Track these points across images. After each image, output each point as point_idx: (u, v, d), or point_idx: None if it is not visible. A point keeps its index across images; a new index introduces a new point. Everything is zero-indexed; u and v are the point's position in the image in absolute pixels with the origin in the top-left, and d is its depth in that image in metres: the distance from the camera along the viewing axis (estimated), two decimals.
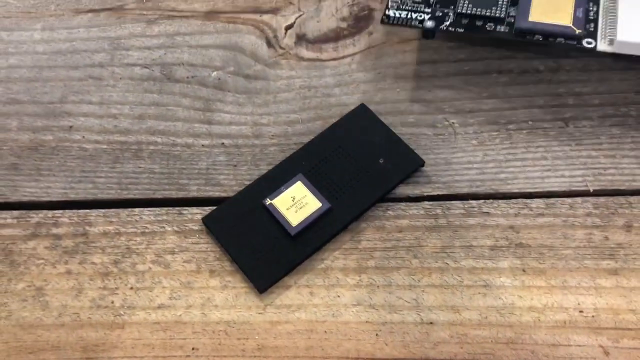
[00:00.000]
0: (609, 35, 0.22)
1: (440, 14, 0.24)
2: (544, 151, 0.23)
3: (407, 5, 0.24)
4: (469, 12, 0.23)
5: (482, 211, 0.22)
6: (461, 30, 0.23)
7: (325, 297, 0.21)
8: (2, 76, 0.26)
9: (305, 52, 0.26)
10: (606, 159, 0.23)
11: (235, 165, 0.24)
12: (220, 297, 0.21)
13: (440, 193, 0.23)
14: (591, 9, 0.23)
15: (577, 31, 0.22)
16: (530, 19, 0.23)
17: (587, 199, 0.22)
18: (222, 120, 0.25)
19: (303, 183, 0.22)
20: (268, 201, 0.22)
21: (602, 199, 0.22)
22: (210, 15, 0.27)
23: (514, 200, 0.22)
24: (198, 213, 0.23)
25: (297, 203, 0.22)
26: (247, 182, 0.23)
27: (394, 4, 0.24)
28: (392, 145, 0.23)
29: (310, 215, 0.22)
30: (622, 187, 0.22)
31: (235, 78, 0.26)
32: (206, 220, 0.22)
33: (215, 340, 0.20)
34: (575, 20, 0.22)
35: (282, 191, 0.22)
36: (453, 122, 0.24)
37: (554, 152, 0.23)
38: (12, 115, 0.25)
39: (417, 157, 0.23)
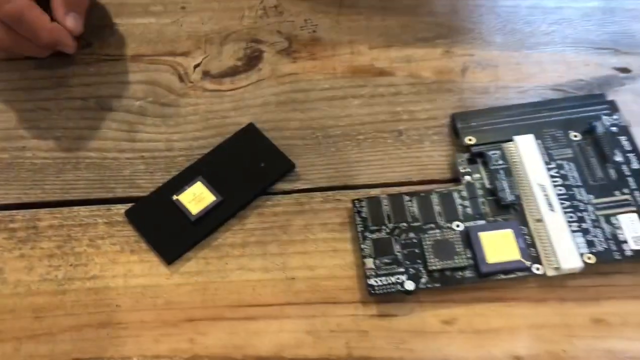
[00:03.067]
0: (554, 264, 0.26)
1: (413, 270, 0.27)
2: (383, 154, 0.31)
3: (381, 270, 0.27)
4: (438, 267, 0.27)
5: (336, 198, 0.30)
6: (438, 285, 0.27)
7: (217, 265, 0.28)
8: None
9: (208, 85, 0.34)
10: (426, 157, 0.31)
11: (151, 172, 0.31)
12: (138, 268, 0.28)
13: (306, 187, 0.30)
14: (524, 233, 0.27)
15: (527, 263, 0.27)
16: (489, 261, 0.27)
17: (412, 187, 0.30)
18: (142, 138, 0.32)
19: (202, 183, 0.30)
20: (175, 197, 0.29)
21: (421, 187, 0.30)
22: (135, 57, 0.35)
23: (358, 190, 0.30)
24: (122, 208, 0.30)
25: (196, 197, 0.29)
26: (160, 184, 0.30)
27: (371, 272, 0.27)
28: (271, 153, 0.31)
29: (207, 206, 0.29)
30: (436, 177, 0.30)
31: (154, 106, 0.33)
32: (128, 213, 0.29)
33: (134, 299, 0.27)
34: (521, 252, 0.27)
35: (186, 189, 0.29)
36: (318, 135, 0.32)
37: (390, 154, 0.31)
38: None
39: (289, 161, 0.31)
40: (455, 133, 0.31)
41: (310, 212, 0.30)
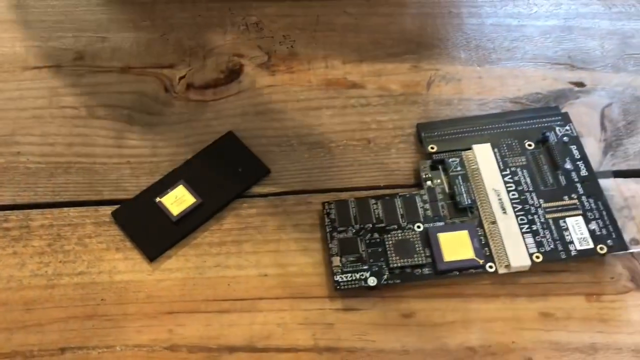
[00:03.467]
0: (505, 263, 0.29)
1: (376, 268, 0.29)
2: (353, 160, 0.33)
3: (347, 267, 0.29)
4: (399, 265, 0.29)
5: (307, 201, 0.32)
6: (398, 281, 0.29)
7: (196, 262, 0.30)
8: None
9: (192, 95, 0.36)
10: (393, 164, 0.33)
11: (137, 177, 0.33)
12: (122, 265, 0.30)
13: (280, 190, 0.33)
14: (480, 234, 0.30)
15: (481, 261, 0.29)
16: (445, 259, 0.29)
17: (379, 191, 0.32)
18: (129, 145, 0.34)
19: (184, 186, 0.32)
20: (158, 199, 0.32)
21: (387, 191, 0.32)
22: (124, 69, 0.37)
23: (328, 193, 0.32)
24: (109, 210, 0.32)
25: (178, 200, 0.32)
26: (145, 187, 0.32)
27: (338, 269, 0.29)
28: (248, 159, 0.33)
29: (187, 207, 0.31)
30: (401, 182, 0.33)
31: (141, 115, 0.35)
32: (114, 214, 0.32)
33: (117, 293, 0.29)
34: (476, 251, 0.29)
35: (168, 192, 0.32)
36: (293, 143, 0.34)
37: (359, 161, 0.33)
38: None
39: (265, 166, 0.33)
40: (420, 142, 0.34)
41: (284, 214, 0.32)
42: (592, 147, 0.33)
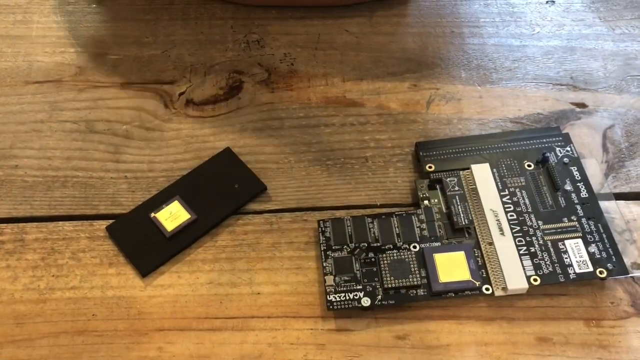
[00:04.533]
0: (502, 285, 0.28)
1: (370, 288, 0.29)
2: (350, 178, 0.33)
3: (341, 287, 0.29)
4: (393, 285, 0.29)
5: (303, 219, 0.32)
6: (392, 302, 0.28)
7: (188, 279, 0.30)
8: None
9: (191, 111, 0.36)
10: (390, 183, 0.33)
11: (133, 191, 0.33)
12: (115, 280, 0.30)
13: (276, 207, 0.32)
14: (476, 255, 0.29)
15: (477, 283, 0.29)
16: (441, 280, 0.29)
17: (375, 209, 0.32)
18: (127, 159, 0.34)
19: (179, 202, 0.32)
20: (153, 214, 0.31)
21: (384, 210, 0.32)
22: (125, 85, 0.37)
23: (325, 211, 0.32)
24: (104, 224, 0.32)
25: (172, 215, 0.31)
26: (141, 203, 0.32)
27: (331, 289, 0.29)
28: (244, 175, 0.33)
29: (182, 223, 0.31)
30: (398, 201, 0.32)
31: (139, 130, 0.35)
32: (109, 229, 0.32)
33: (109, 308, 0.29)
34: (472, 272, 0.29)
35: (163, 207, 0.32)
36: (291, 160, 0.34)
37: (357, 179, 0.33)
38: None
39: (261, 183, 0.33)
40: (418, 160, 0.34)
41: (278, 232, 0.32)
42: (594, 168, 0.33)
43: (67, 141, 0.35)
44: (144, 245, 0.31)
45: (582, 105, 0.36)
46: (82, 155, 0.35)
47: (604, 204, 0.31)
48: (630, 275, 0.29)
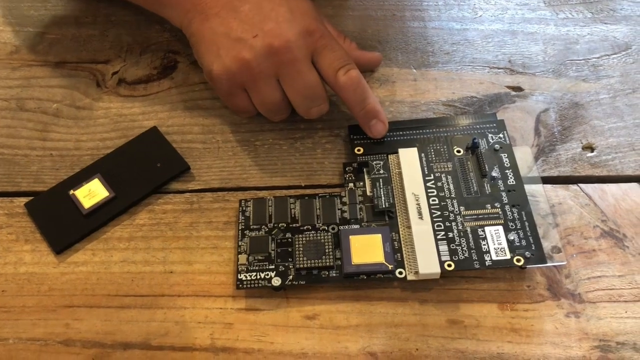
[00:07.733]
0: (414, 269, 0.28)
1: (283, 268, 0.28)
2: (277, 159, 0.33)
3: (254, 265, 0.29)
4: (305, 265, 0.28)
5: (225, 199, 0.31)
6: (303, 282, 0.28)
7: (103, 256, 0.30)
8: None
9: (122, 90, 0.36)
10: (317, 164, 0.32)
11: (57, 169, 0.33)
12: (28, 257, 0.30)
13: (199, 187, 0.32)
14: (394, 238, 0.29)
15: (390, 266, 0.28)
16: (354, 262, 0.28)
17: (299, 190, 0.32)
18: (54, 137, 0.34)
19: (99, 180, 0.31)
20: (71, 192, 0.31)
21: (308, 191, 0.31)
22: (59, 64, 0.37)
23: (248, 191, 0.32)
24: (24, 201, 0.31)
25: (91, 193, 0.31)
26: (62, 180, 0.32)
27: (243, 268, 0.28)
28: (169, 154, 0.33)
29: (100, 201, 0.31)
30: (323, 183, 0.32)
31: (69, 108, 0.35)
32: (27, 206, 0.31)
33: (19, 285, 0.29)
34: (386, 255, 0.28)
35: (83, 185, 0.31)
36: (218, 140, 0.34)
37: (283, 160, 0.33)
38: None
39: (184, 162, 0.32)
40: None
41: (198, 211, 0.31)
42: (526, 155, 0.32)
43: None
44: (60, 223, 0.30)
45: (517, 88, 0.35)
46: (9, 133, 0.34)
47: (530, 188, 0.31)
48: (547, 265, 0.28)
